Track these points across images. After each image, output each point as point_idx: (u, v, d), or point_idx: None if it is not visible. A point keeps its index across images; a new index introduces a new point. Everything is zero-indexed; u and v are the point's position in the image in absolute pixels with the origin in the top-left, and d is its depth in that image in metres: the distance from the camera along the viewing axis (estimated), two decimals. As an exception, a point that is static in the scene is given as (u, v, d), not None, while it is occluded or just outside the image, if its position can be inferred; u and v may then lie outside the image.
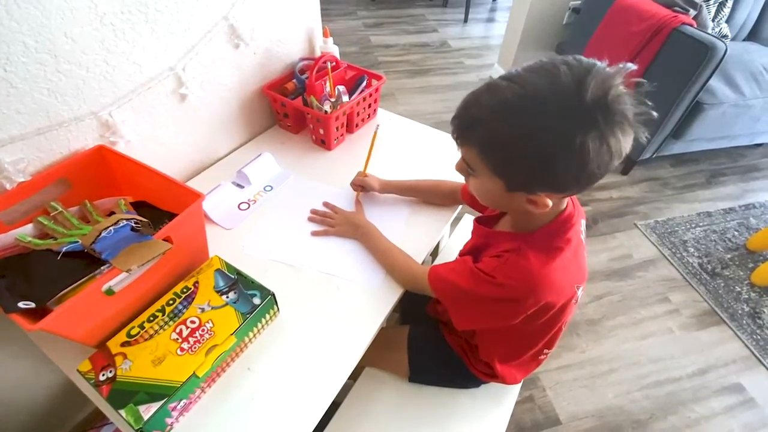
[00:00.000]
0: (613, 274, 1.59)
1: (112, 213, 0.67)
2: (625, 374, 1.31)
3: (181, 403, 0.55)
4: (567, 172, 0.47)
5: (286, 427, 0.58)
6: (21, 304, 0.50)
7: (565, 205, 0.58)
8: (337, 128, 1.01)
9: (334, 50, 1.07)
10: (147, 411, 0.51)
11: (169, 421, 0.55)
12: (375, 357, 0.82)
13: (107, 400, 0.52)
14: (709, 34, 1.54)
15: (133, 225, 0.60)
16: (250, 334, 0.64)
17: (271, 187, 0.93)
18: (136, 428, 0.50)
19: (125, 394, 0.52)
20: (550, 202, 0.51)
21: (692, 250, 1.69)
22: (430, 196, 0.91)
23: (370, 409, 0.80)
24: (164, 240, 0.58)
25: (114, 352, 0.56)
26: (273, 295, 0.65)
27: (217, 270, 0.67)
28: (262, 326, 0.66)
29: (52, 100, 0.64)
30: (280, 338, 0.67)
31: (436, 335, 0.85)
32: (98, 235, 0.56)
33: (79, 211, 0.68)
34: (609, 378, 1.30)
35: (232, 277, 0.66)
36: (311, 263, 0.78)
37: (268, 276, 0.69)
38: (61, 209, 0.66)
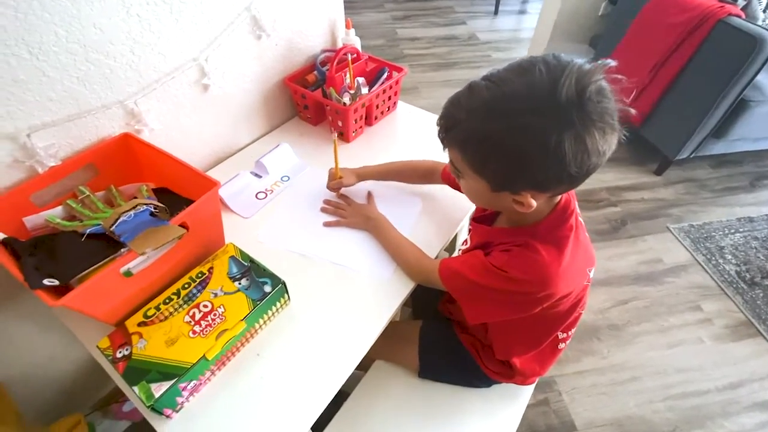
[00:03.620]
0: (640, 278, 1.52)
1: (135, 198, 0.70)
2: (649, 383, 1.25)
3: (191, 384, 0.57)
4: (545, 171, 0.47)
5: (292, 411, 0.59)
6: (46, 281, 0.53)
7: (558, 198, 0.57)
8: (355, 120, 1.01)
9: (356, 42, 1.06)
10: (158, 389, 0.53)
11: (179, 400, 0.57)
12: (386, 350, 0.83)
13: (122, 377, 0.54)
14: (758, 25, 1.43)
15: (152, 210, 0.62)
16: (261, 321, 0.65)
17: (288, 178, 0.94)
18: (148, 405, 0.52)
19: (139, 372, 0.55)
20: (534, 203, 0.50)
21: (729, 257, 1.59)
22: (407, 176, 0.90)
23: (379, 401, 0.80)
24: (180, 225, 0.60)
25: (131, 331, 0.59)
26: (284, 283, 0.66)
27: (232, 257, 0.68)
28: (273, 314, 0.67)
29: (81, 89, 0.67)
30: (291, 326, 0.68)
31: (448, 332, 0.84)
32: (117, 219, 0.58)
33: (105, 195, 0.71)
34: (631, 386, 1.24)
35: (245, 264, 0.67)
36: (323, 254, 0.78)
37: (281, 265, 0.70)
38: (88, 193, 0.69)
